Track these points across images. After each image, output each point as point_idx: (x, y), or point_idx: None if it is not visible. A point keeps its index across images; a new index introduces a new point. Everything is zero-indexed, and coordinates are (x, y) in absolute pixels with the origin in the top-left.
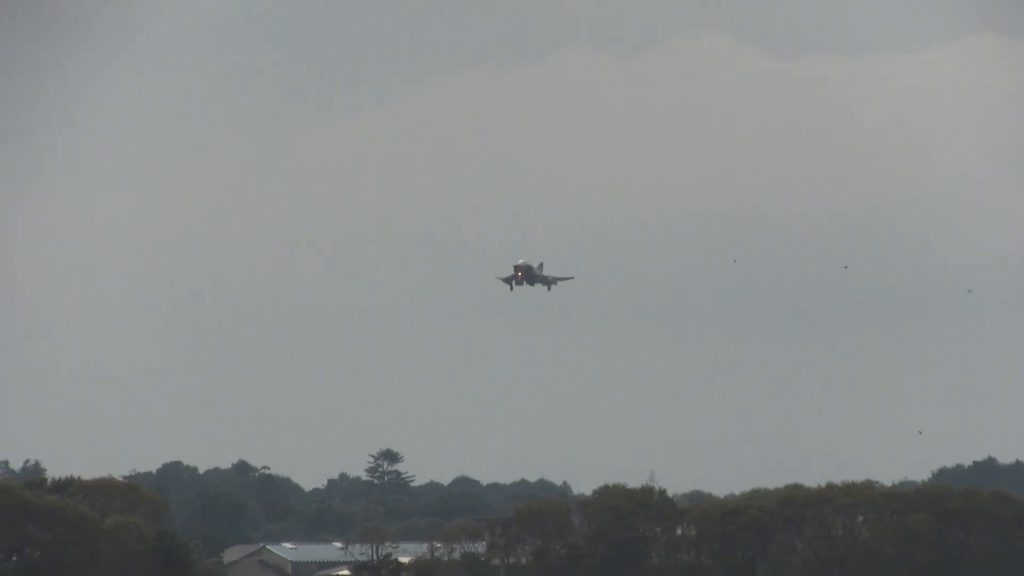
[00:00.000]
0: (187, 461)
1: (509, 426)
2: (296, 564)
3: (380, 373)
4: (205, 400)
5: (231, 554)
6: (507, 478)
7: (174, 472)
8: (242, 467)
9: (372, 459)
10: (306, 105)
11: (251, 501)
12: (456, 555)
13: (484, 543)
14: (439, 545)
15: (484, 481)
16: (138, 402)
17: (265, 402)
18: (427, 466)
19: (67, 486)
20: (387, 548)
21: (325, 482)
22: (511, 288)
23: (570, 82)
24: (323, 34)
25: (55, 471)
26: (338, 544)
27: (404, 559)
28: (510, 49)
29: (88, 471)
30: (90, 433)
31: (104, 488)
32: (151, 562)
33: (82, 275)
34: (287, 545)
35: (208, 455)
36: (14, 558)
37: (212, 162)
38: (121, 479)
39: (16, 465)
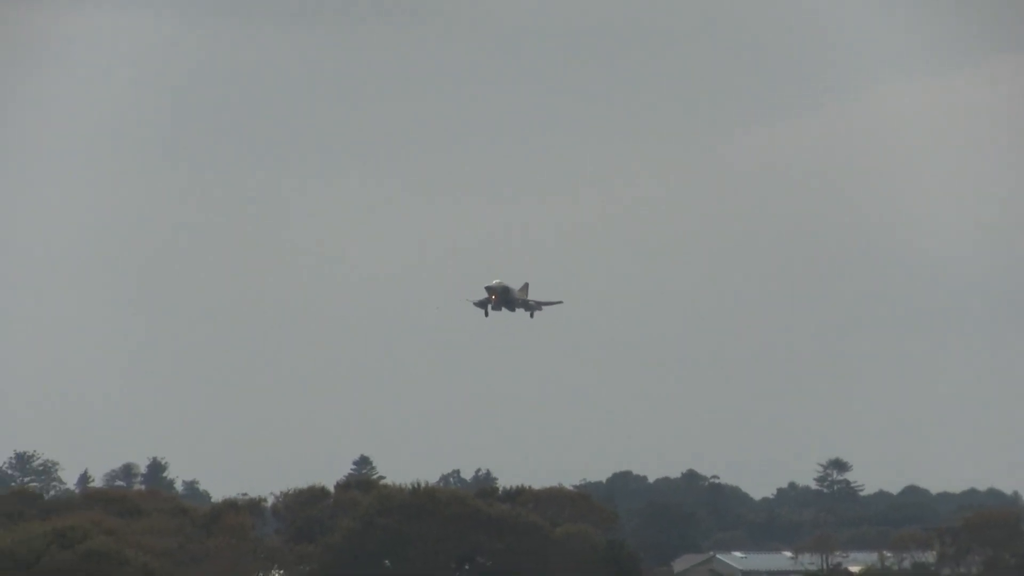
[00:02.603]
0: (637, 471)
1: (959, 434)
2: (746, 573)
3: (830, 381)
4: (654, 410)
5: (680, 563)
6: (956, 487)
7: (623, 481)
8: (691, 476)
9: (821, 468)
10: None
11: (700, 510)
12: (906, 564)
13: (933, 553)
14: (888, 555)
15: (933, 490)
16: (587, 412)
17: (715, 411)
18: (876, 475)
19: (518, 495)
20: (836, 557)
21: (774, 491)
22: (486, 313)
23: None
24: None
25: (506, 480)
26: (788, 553)
27: (854, 568)
28: (953, 53)
29: (538, 480)
30: (541, 443)
31: (554, 497)
32: (601, 571)
33: None
34: (737, 554)
35: (658, 464)
36: (466, 567)
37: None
38: (571, 488)
39: (468, 475)
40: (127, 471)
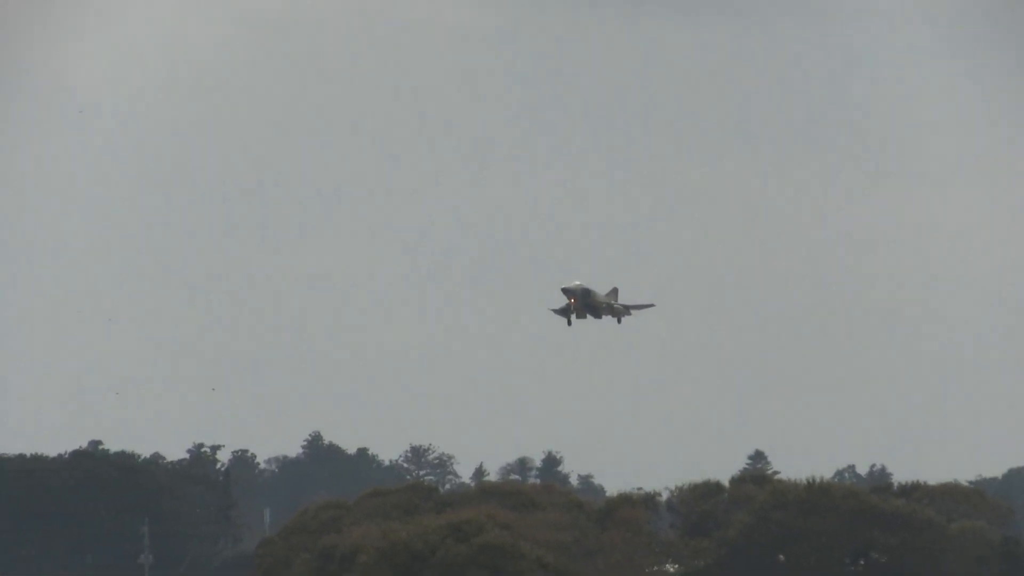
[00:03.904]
0: None
1: None
2: None
3: None
4: None
5: None
6: None
7: (1019, 478)
8: None
9: None
10: None
11: None
12: None
13: None
14: None
15: None
16: (982, 408)
17: None
18: None
19: (913, 491)
20: None
21: None
22: (569, 322)
23: None
24: None
25: (901, 476)
26: None
27: None
28: None
29: (934, 475)
30: (936, 438)
31: (949, 493)
32: (996, 568)
33: None
34: None
35: None
36: (861, 562)
37: None
38: (966, 484)
39: (862, 470)
40: (522, 465)
